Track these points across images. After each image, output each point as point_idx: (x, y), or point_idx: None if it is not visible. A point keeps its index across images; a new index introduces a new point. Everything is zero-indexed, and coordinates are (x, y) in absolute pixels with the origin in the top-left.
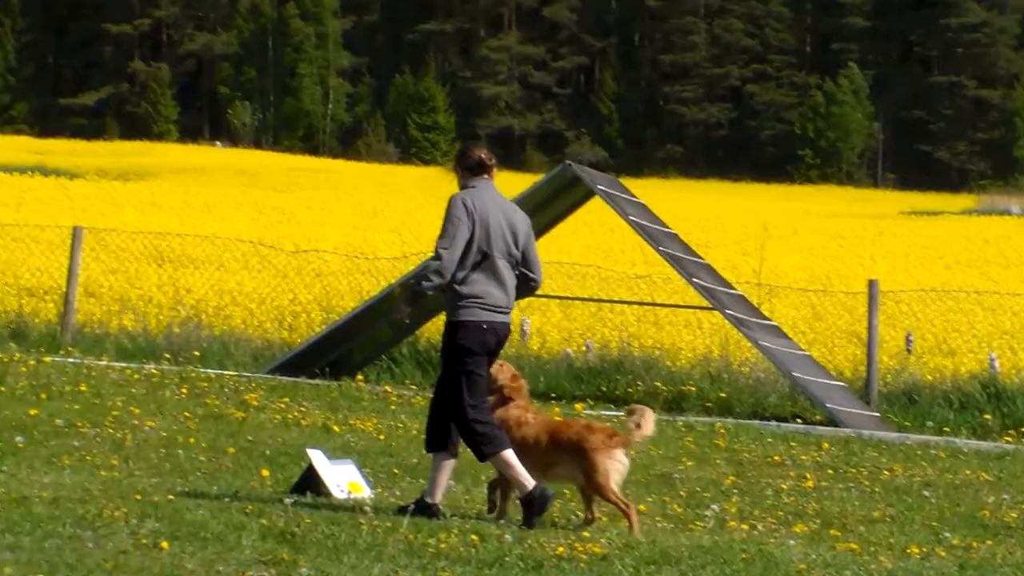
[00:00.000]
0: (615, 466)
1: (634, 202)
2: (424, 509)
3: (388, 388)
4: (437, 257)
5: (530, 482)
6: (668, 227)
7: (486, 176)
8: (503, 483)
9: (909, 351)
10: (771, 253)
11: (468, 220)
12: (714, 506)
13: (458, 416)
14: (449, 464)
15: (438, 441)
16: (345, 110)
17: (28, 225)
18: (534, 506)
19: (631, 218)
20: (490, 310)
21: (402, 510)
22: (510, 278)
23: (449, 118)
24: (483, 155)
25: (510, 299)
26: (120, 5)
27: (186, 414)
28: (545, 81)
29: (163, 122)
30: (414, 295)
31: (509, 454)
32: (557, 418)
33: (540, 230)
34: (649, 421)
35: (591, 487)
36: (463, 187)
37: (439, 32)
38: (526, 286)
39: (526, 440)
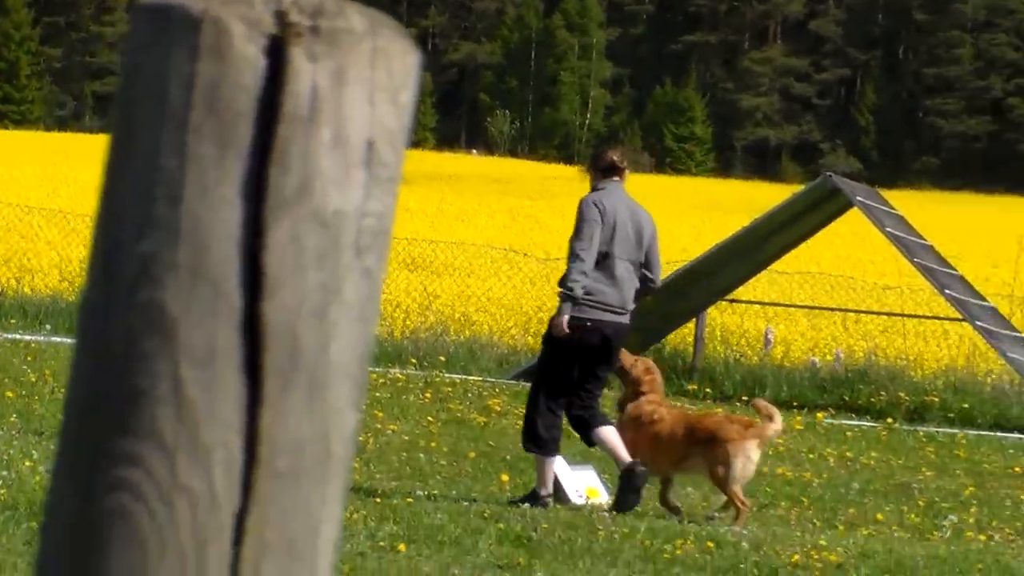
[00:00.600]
0: (744, 459)
1: (892, 214)
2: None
3: None
4: (579, 259)
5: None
6: (924, 239)
7: (617, 178)
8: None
9: None
10: None
11: (600, 221)
12: (952, 516)
13: (529, 403)
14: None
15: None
16: (602, 120)
17: None
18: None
19: (888, 229)
20: (599, 308)
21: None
22: (629, 279)
23: (706, 129)
24: (615, 157)
25: (625, 300)
26: (387, 14)
27: (429, 418)
28: (806, 93)
29: (421, 130)
30: (565, 299)
31: (550, 462)
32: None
33: (795, 241)
34: (777, 415)
35: (713, 478)
36: (594, 188)
37: (703, 43)
38: (644, 287)
39: (660, 434)
